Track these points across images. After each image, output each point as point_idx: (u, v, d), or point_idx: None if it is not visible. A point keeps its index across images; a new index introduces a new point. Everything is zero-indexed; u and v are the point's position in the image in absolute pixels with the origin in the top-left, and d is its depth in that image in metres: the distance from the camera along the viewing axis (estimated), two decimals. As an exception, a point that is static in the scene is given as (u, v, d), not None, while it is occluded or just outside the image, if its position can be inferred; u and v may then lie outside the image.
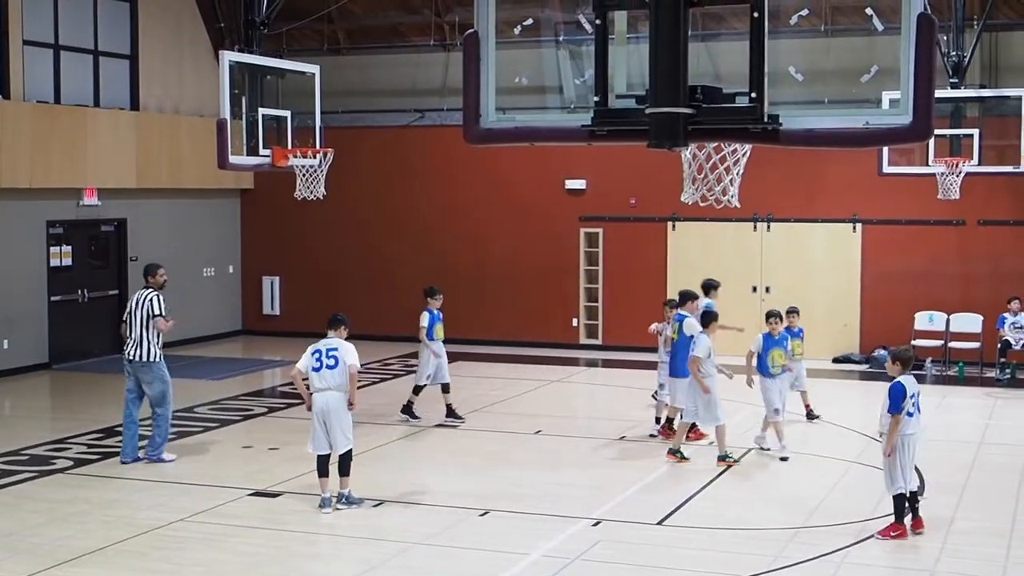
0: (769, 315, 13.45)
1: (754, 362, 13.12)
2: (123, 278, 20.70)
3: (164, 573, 9.06)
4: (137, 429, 12.61)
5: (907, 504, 9.92)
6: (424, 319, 14.35)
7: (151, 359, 12.39)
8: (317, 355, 10.72)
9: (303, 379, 10.86)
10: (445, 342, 14.60)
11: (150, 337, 12.36)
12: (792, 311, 14.26)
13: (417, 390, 14.66)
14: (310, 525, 10.40)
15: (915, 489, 10.02)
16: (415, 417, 14.64)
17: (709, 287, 14.29)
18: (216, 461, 12.67)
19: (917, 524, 9.99)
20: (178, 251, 21.48)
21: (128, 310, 12.63)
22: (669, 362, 13.38)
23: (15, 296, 18.53)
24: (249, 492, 11.38)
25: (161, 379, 12.50)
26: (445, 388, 14.60)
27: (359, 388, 11.16)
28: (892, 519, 9.94)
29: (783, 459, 12.80)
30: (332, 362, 10.67)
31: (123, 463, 12.45)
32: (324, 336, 10.86)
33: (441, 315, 14.59)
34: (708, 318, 12.69)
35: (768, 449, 13.02)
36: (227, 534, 10.07)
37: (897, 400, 9.77)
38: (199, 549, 9.74)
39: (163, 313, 12.41)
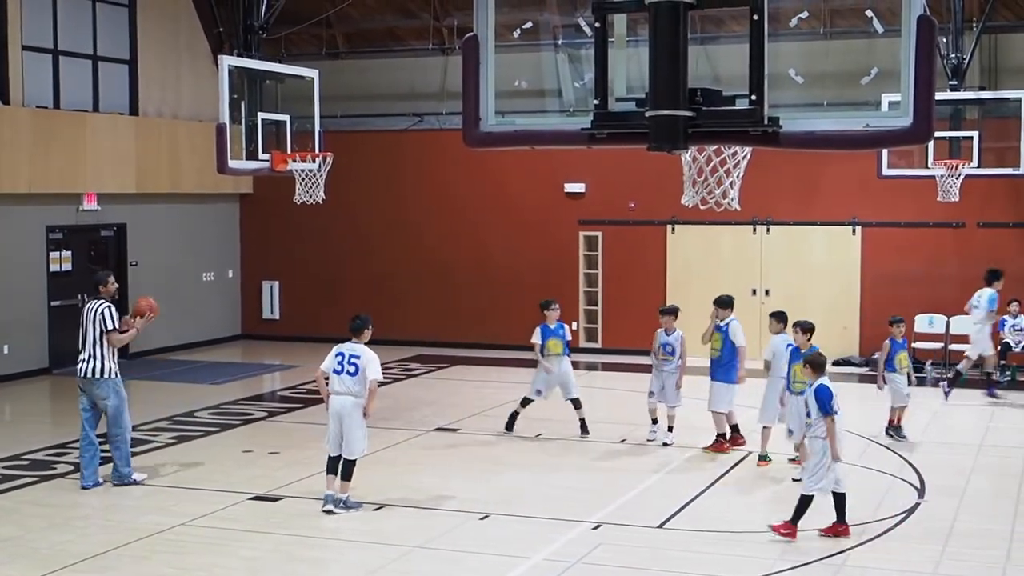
0: (795, 325, 12.10)
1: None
2: (123, 283, 20.66)
3: (165, 578, 9.05)
4: (97, 450, 11.80)
5: (837, 505, 9.96)
6: (536, 335, 13.94)
7: (105, 375, 11.67)
8: (340, 358, 10.75)
9: (325, 378, 10.87)
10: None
11: (103, 351, 11.66)
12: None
13: (524, 402, 14.23)
14: (311, 529, 10.40)
15: (841, 490, 10.00)
16: (508, 430, 14.20)
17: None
18: (217, 465, 12.66)
19: (840, 529, 9.99)
20: (178, 256, 21.48)
21: (80, 322, 11.87)
22: (714, 368, 13.15)
23: (15, 301, 18.53)
24: (250, 496, 11.37)
25: (116, 394, 11.70)
26: (574, 403, 14.08)
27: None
28: (836, 519, 9.96)
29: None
30: (353, 369, 10.68)
31: (84, 488, 11.62)
32: (343, 341, 10.86)
33: (562, 328, 14.00)
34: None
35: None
36: (228, 538, 10.06)
37: (827, 402, 9.88)
38: (200, 553, 9.73)
39: (116, 326, 11.67)
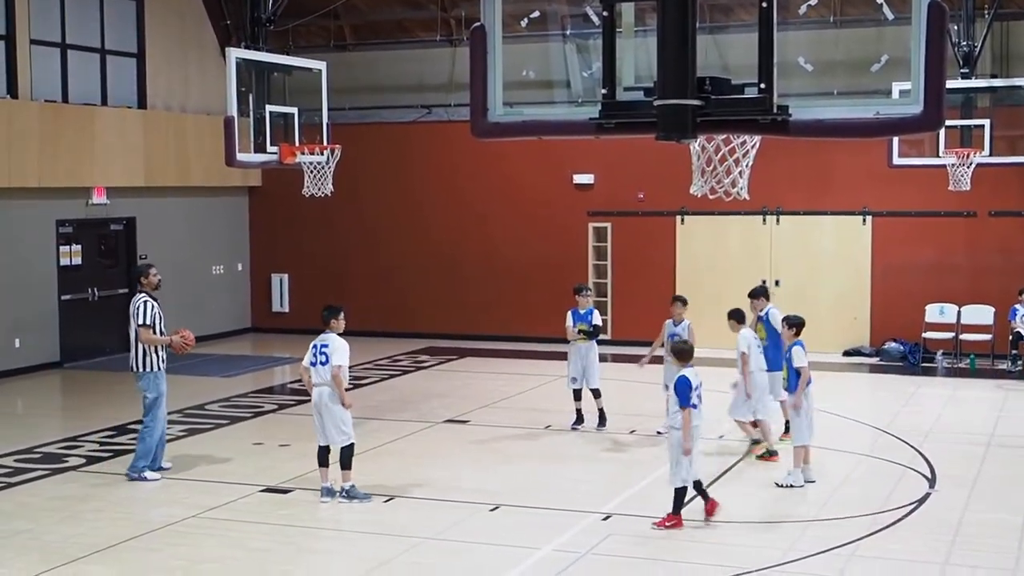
0: (784, 320, 12.11)
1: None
2: (133, 277, 20.69)
3: (176, 570, 9.07)
4: (159, 439, 11.95)
5: (697, 491, 10.03)
6: (568, 319, 13.96)
7: (144, 368, 11.71)
8: (314, 350, 10.89)
9: (308, 373, 10.99)
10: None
11: (145, 345, 11.69)
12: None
13: (575, 396, 14.05)
14: (321, 521, 10.41)
15: (698, 479, 10.07)
16: (578, 422, 13.99)
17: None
18: (227, 458, 12.67)
19: (711, 507, 10.06)
20: (187, 249, 21.51)
21: None
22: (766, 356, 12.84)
23: (26, 296, 18.57)
24: (260, 488, 11.39)
25: (155, 388, 11.74)
26: (594, 393, 14.00)
27: (348, 388, 11.12)
28: (672, 510, 9.97)
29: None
30: (324, 359, 10.80)
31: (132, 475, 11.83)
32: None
33: (591, 313, 13.93)
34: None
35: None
36: (239, 530, 10.08)
37: (685, 394, 9.85)
38: (211, 545, 9.74)
39: (147, 321, 11.57)
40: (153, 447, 11.84)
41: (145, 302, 11.71)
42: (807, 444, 11.37)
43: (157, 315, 11.74)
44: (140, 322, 11.63)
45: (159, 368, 11.81)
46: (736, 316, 12.82)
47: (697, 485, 10.06)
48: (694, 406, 9.88)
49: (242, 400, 16.34)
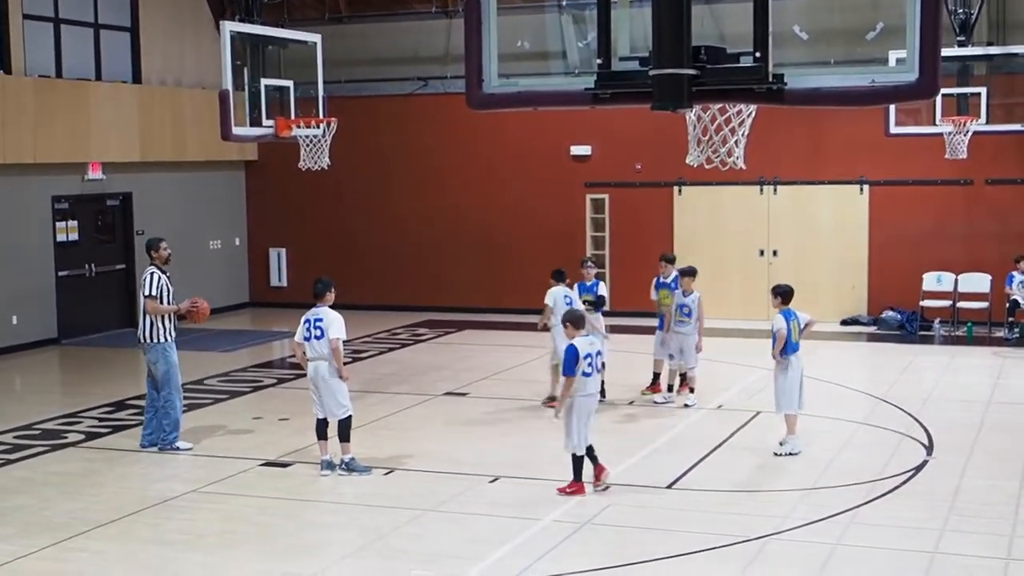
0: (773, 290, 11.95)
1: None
2: (130, 252, 20.71)
3: (177, 544, 9.12)
4: (154, 414, 12.05)
5: (586, 459, 10.15)
6: (574, 291, 13.96)
7: (153, 339, 11.79)
8: (307, 325, 10.90)
9: (301, 348, 11.01)
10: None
11: (151, 317, 11.77)
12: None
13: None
14: (322, 494, 10.46)
15: (590, 444, 10.20)
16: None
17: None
18: (227, 432, 12.71)
19: (599, 471, 10.21)
20: (184, 224, 21.47)
21: None
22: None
23: (23, 272, 18.56)
24: (260, 463, 11.43)
25: (165, 359, 11.83)
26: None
27: (347, 362, 11.19)
28: (573, 478, 10.15)
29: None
30: (319, 332, 10.82)
31: (141, 447, 12.01)
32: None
33: (597, 285, 14.01)
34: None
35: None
36: (239, 504, 10.12)
37: (570, 363, 9.93)
38: (212, 520, 9.79)
39: (153, 292, 11.67)
40: (179, 417, 11.99)
41: (152, 274, 11.83)
42: (796, 412, 11.43)
43: (164, 287, 11.84)
44: (146, 293, 11.75)
45: (167, 340, 11.88)
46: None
47: (589, 450, 10.19)
48: (587, 374, 9.98)
49: (241, 375, 16.37)
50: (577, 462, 10.15)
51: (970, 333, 18.51)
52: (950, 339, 18.48)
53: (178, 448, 11.87)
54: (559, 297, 13.34)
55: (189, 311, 11.95)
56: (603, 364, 10.38)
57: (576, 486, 10.13)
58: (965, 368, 16.35)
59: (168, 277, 11.95)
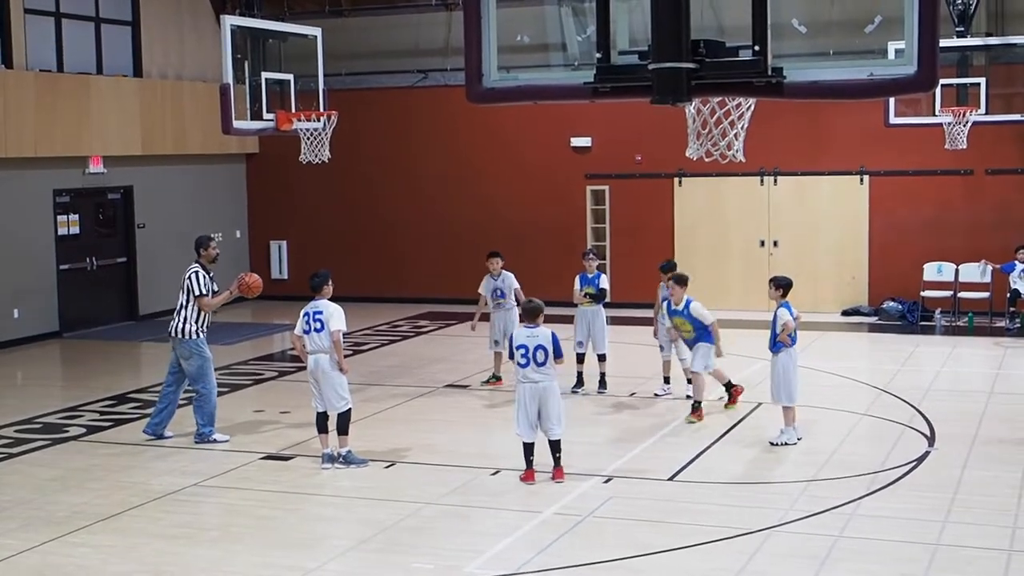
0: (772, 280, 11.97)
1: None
2: (131, 246, 20.74)
3: (180, 538, 9.14)
4: (169, 405, 12.13)
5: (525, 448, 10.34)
6: (576, 283, 14.09)
7: (186, 336, 11.89)
8: (307, 318, 10.93)
9: (301, 341, 11.04)
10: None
11: (187, 313, 11.90)
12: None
13: (579, 359, 14.02)
14: (323, 487, 10.48)
15: (556, 442, 10.34)
16: (579, 386, 13.98)
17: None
18: (228, 426, 12.73)
19: (555, 473, 10.36)
20: (185, 217, 21.48)
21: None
22: None
23: (24, 265, 18.58)
24: (262, 456, 11.46)
25: (198, 355, 11.93)
26: (600, 358, 14.05)
27: (348, 355, 11.23)
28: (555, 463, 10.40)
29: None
30: (319, 325, 10.85)
31: (143, 432, 12.19)
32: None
33: (599, 277, 14.04)
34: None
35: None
36: (241, 498, 10.14)
37: (510, 350, 10.33)
38: (214, 513, 9.82)
39: (204, 291, 11.90)
40: (214, 411, 12.05)
41: (196, 272, 12.00)
42: (791, 404, 11.46)
43: (209, 284, 12.04)
44: (197, 293, 11.90)
45: (199, 336, 11.98)
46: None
47: (554, 447, 10.33)
48: (521, 365, 10.15)
49: (242, 368, 16.39)
50: (524, 448, 10.31)
51: (971, 323, 18.52)
52: (951, 329, 18.48)
53: (215, 440, 11.95)
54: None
55: (240, 288, 12.10)
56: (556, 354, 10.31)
57: (525, 473, 10.32)
58: (966, 359, 16.36)
59: (211, 276, 12.12)
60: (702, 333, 12.50)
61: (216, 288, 12.14)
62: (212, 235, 12.74)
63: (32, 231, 18.75)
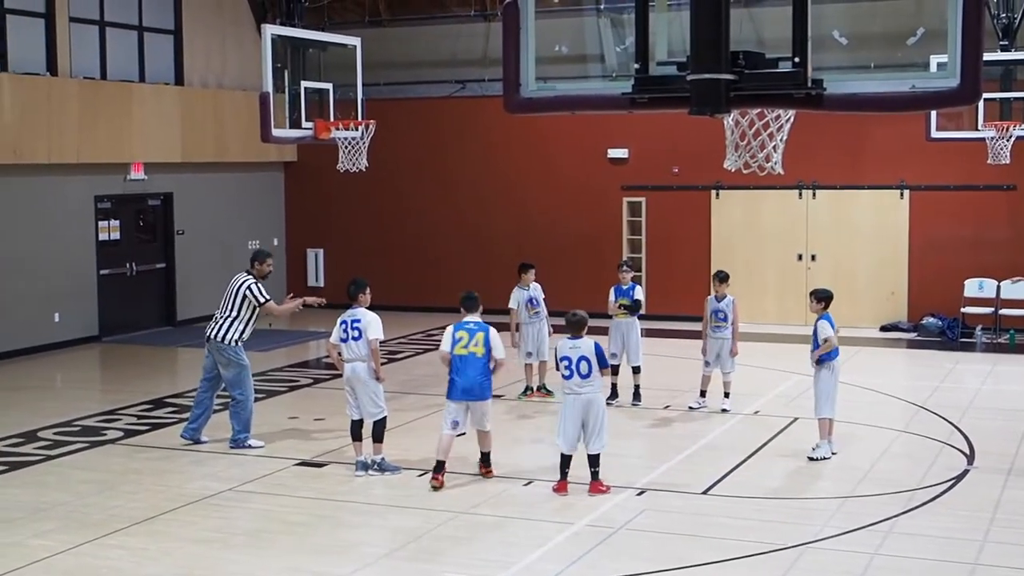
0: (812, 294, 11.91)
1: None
2: (170, 252, 20.91)
3: (213, 542, 9.18)
4: (205, 411, 12.22)
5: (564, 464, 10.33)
6: (611, 295, 14.09)
7: (226, 342, 11.94)
8: (344, 326, 10.96)
9: (337, 349, 11.08)
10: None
11: (231, 321, 11.97)
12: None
13: (614, 371, 13.56)
14: (356, 495, 10.49)
15: (595, 456, 10.30)
16: (613, 397, 13.70)
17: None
18: (263, 432, 12.77)
19: (592, 487, 10.30)
20: (224, 224, 21.65)
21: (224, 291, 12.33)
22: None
23: (65, 270, 18.77)
24: (296, 462, 11.49)
25: (236, 362, 11.97)
26: (634, 370, 13.97)
27: (384, 363, 11.24)
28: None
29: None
30: (356, 334, 10.88)
31: (181, 436, 12.30)
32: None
33: (634, 288, 14.04)
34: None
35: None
36: (274, 504, 10.18)
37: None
38: (247, 518, 9.85)
39: (267, 296, 12.08)
40: (250, 417, 12.10)
41: (255, 283, 12.13)
42: (831, 417, 11.36)
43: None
44: (261, 301, 12.04)
45: (239, 343, 12.04)
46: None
47: (592, 461, 10.31)
48: (565, 376, 10.16)
49: (277, 374, 16.46)
50: (562, 459, 10.31)
51: (1012, 341, 18.30)
52: (992, 346, 18.27)
53: (250, 446, 12.00)
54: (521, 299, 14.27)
55: (304, 303, 12.60)
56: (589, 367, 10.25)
57: (558, 484, 10.29)
58: (1007, 376, 16.16)
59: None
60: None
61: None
62: (270, 253, 12.87)
63: (73, 236, 18.95)
